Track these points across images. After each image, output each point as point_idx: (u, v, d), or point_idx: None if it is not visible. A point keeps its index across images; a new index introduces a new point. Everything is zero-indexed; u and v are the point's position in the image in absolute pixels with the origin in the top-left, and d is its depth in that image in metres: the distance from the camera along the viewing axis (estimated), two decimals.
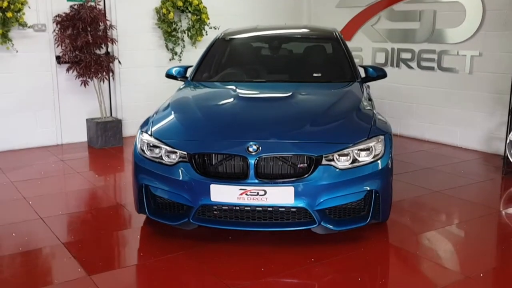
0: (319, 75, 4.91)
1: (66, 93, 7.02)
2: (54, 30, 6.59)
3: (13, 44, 6.41)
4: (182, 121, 3.91)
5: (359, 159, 3.61)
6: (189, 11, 7.52)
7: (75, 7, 6.59)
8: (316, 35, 5.50)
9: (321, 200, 3.51)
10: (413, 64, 7.39)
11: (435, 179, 5.52)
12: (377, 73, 4.94)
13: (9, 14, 6.14)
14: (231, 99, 4.20)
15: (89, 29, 6.65)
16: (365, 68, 5.00)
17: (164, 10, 7.36)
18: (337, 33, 5.31)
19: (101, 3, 6.99)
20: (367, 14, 7.87)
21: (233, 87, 4.44)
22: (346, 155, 3.58)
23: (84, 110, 7.16)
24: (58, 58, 6.81)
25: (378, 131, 3.80)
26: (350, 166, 3.57)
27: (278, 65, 5.19)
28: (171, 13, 7.35)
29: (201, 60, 5.16)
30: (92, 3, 6.75)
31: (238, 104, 4.14)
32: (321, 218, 3.56)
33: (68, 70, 6.74)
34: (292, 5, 8.91)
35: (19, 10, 6.34)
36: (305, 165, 3.50)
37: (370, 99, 4.49)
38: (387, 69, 7.68)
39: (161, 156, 3.69)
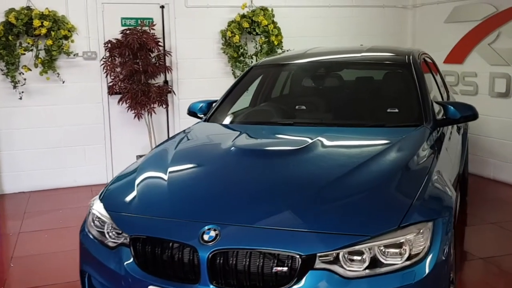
0: (370, 116, 3.53)
1: (118, 126, 6.36)
2: (103, 58, 5.95)
3: (58, 74, 5.89)
4: (142, 186, 2.79)
5: (384, 261, 2.22)
6: (257, 33, 6.48)
7: (127, 32, 5.91)
8: (379, 61, 4.05)
9: None
10: None
11: None
12: (462, 113, 3.40)
13: (48, 42, 5.62)
14: (219, 155, 3.00)
15: (139, 55, 5.93)
16: (444, 105, 3.48)
17: (229, 33, 6.40)
18: (412, 58, 3.83)
19: (157, 26, 6.23)
20: (483, 30, 6.14)
21: (235, 134, 3.27)
22: (359, 254, 2.21)
23: (138, 146, 6.42)
24: (110, 88, 6.17)
25: (421, 214, 2.35)
26: (365, 273, 2.19)
27: (318, 102, 3.87)
28: (237, 36, 6.36)
29: (226, 95, 4.07)
30: (146, 28, 6.04)
31: (221, 163, 2.92)
32: None
33: (119, 101, 6.07)
34: (393, 22, 7.42)
35: (67, 37, 5.82)
36: (284, 269, 2.21)
37: (436, 154, 3.00)
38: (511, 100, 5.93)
39: (105, 234, 2.65)
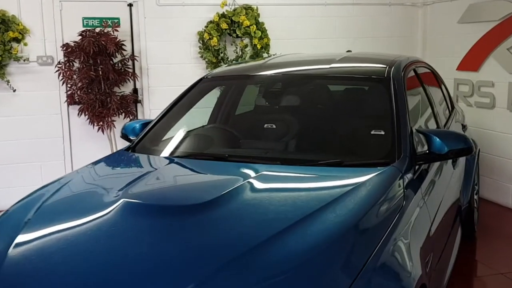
0: (326, 149, 2.69)
1: (80, 140, 5.63)
2: (58, 63, 5.23)
3: (8, 82, 5.20)
4: None
5: None
6: (237, 35, 5.67)
7: (84, 34, 5.19)
8: (349, 75, 3.16)
9: None
10: None
11: None
12: (450, 146, 2.54)
13: None
14: (97, 212, 2.11)
15: (99, 61, 5.20)
16: (428, 135, 2.61)
17: (206, 35, 5.61)
18: (394, 71, 2.93)
19: (125, 27, 5.49)
20: (502, 32, 5.18)
21: (137, 175, 2.46)
22: None
23: None
24: (69, 97, 5.44)
25: None
26: None
27: (266, 127, 3.03)
28: (215, 39, 5.57)
29: (162, 115, 3.28)
30: (109, 29, 5.31)
31: (93, 228, 2.04)
32: None
33: (79, 113, 5.36)
34: (400, 22, 6.47)
35: (18, 40, 5.15)
36: None
37: (400, 210, 2.14)
38: None
39: None
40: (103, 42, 5.07)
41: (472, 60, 5.59)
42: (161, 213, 2.08)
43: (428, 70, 3.91)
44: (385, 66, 3.05)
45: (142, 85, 5.72)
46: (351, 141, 2.73)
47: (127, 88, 5.60)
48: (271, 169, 2.46)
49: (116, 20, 5.45)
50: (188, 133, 3.13)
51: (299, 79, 3.24)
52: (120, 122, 5.44)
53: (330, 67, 3.15)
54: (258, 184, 2.26)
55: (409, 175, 2.41)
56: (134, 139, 3.21)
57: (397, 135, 2.56)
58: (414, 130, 2.66)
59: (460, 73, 5.77)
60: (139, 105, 5.71)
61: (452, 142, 2.56)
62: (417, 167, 2.55)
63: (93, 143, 5.61)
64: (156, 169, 2.62)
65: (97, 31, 5.20)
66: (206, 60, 5.73)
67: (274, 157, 2.65)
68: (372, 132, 2.69)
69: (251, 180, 2.28)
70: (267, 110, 3.35)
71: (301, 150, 2.76)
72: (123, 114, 5.40)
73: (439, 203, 2.77)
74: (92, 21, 5.48)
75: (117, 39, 5.23)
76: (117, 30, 5.32)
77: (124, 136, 3.35)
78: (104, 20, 5.43)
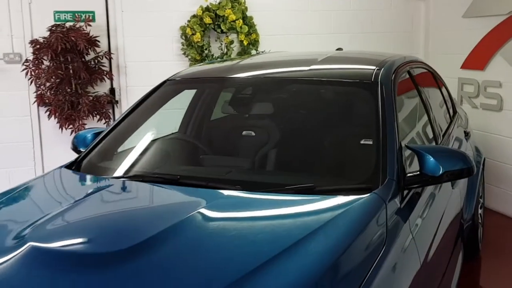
0: (296, 172, 2.25)
1: (53, 144, 5.20)
2: (25, 61, 4.81)
3: None
4: None
5: None
6: (222, 31, 5.22)
7: (53, 29, 4.77)
8: (329, 79, 2.65)
9: None
10: None
11: None
12: (446, 167, 2.09)
13: None
14: None
15: (69, 58, 4.78)
16: (419, 152, 2.16)
17: (188, 30, 5.18)
18: (383, 74, 2.47)
19: (101, 22, 5.07)
20: (510, 27, 4.71)
21: (58, 208, 2.01)
22: None
23: None
24: (39, 98, 5.02)
25: None
26: None
27: (230, 142, 2.60)
28: (198, 34, 5.13)
29: (114, 126, 2.85)
30: (82, 23, 4.88)
31: None
32: None
33: (49, 115, 4.95)
34: (402, 16, 5.98)
35: None
36: None
37: (380, 256, 1.71)
38: None
39: None
40: (72, 38, 4.64)
41: (478, 58, 5.11)
42: (75, 263, 1.62)
43: (426, 71, 3.46)
44: (373, 67, 2.59)
45: (120, 85, 5.29)
46: (327, 160, 2.29)
47: (103, 88, 5.18)
48: (226, 198, 2.01)
49: (90, 14, 5.03)
50: (142, 147, 2.67)
51: (271, 84, 2.76)
52: (93, 125, 5.02)
53: (309, 70, 2.68)
54: (205, 220, 1.82)
55: (395, 205, 1.96)
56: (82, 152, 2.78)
57: (382, 153, 2.10)
58: (403, 146, 2.21)
59: (464, 72, 5.30)
60: (117, 106, 5.29)
61: (449, 162, 2.11)
62: (406, 191, 2.11)
63: (66, 147, 5.10)
64: (87, 196, 2.15)
65: (68, 25, 4.78)
66: (190, 57, 5.29)
67: (234, 180, 2.20)
68: (353, 149, 2.25)
69: (201, 211, 1.85)
70: (234, 120, 2.91)
71: (267, 171, 2.32)
72: (98, 116, 4.99)
73: (435, 230, 2.32)
74: (65, 15, 5.04)
75: (89, 35, 4.81)
76: (90, 25, 4.90)
77: (74, 148, 2.92)
78: (77, 14, 5.00)
